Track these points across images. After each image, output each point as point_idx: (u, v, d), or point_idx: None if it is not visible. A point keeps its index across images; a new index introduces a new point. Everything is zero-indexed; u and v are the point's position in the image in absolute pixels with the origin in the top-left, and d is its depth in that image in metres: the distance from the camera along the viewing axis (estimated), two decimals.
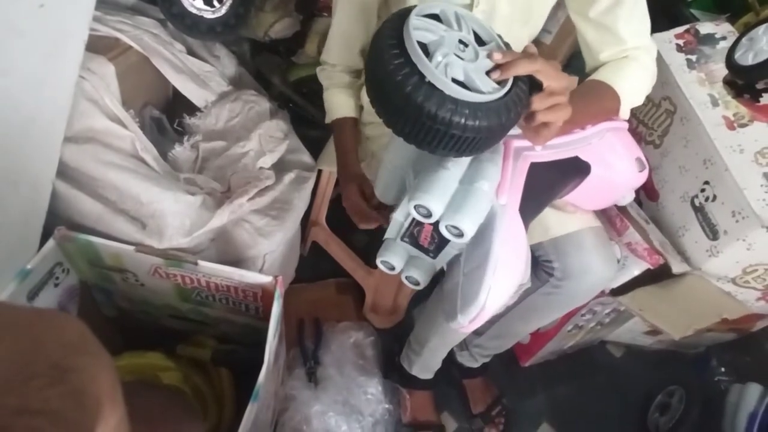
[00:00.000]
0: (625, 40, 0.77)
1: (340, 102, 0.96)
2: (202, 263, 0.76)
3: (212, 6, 1.02)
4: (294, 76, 1.30)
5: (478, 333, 1.06)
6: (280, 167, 1.05)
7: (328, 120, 0.98)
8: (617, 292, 1.03)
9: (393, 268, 0.68)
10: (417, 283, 0.67)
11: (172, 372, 0.86)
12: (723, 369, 1.21)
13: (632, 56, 0.78)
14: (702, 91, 1.09)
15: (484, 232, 0.60)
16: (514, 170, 0.64)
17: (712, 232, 1.00)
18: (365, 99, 0.97)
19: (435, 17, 0.56)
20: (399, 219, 0.66)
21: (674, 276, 1.03)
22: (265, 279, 0.77)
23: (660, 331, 1.16)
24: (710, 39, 1.18)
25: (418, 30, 0.52)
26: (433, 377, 1.11)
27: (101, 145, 0.82)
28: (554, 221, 0.84)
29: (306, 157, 1.12)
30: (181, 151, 0.96)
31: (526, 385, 1.25)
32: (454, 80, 0.51)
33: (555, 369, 1.28)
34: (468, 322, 0.60)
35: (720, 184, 0.98)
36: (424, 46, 0.52)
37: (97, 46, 0.88)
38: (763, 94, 1.06)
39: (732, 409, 1.05)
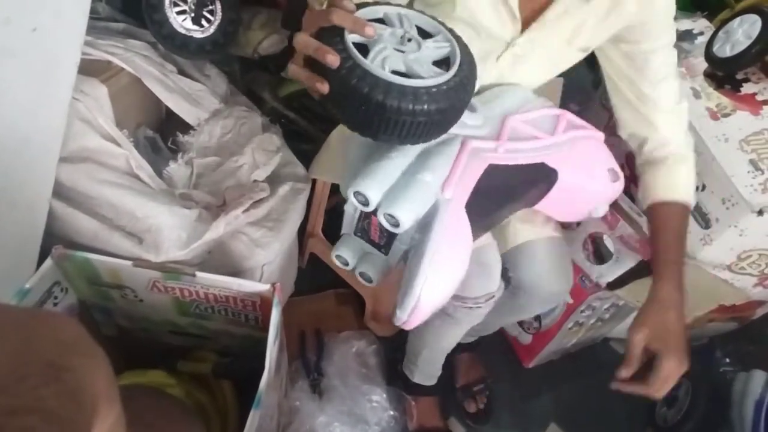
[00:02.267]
0: (668, 140, 0.79)
1: None
2: (200, 274, 0.77)
3: (201, 26, 1.05)
4: (284, 91, 1.32)
5: None
6: (274, 180, 1.06)
7: None
8: (613, 285, 1.03)
9: (347, 264, 0.67)
10: (370, 280, 0.66)
11: (173, 389, 0.85)
12: (727, 359, 1.20)
13: (677, 158, 0.80)
14: (684, 84, 1.12)
15: (427, 224, 0.60)
16: (466, 168, 0.63)
17: (704, 220, 1.01)
18: None
19: (381, 20, 0.57)
20: (349, 210, 0.66)
21: None
22: (263, 287, 0.77)
23: None
24: (689, 35, 1.22)
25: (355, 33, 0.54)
26: (438, 382, 1.11)
27: (96, 163, 0.83)
28: (512, 231, 0.84)
29: (300, 170, 1.13)
30: (175, 168, 0.97)
31: (531, 386, 1.24)
32: (396, 72, 0.53)
33: (559, 369, 1.28)
34: (406, 316, 0.59)
35: (708, 174, 1.00)
36: (364, 46, 0.54)
37: (89, 69, 0.90)
38: (743, 84, 1.09)
39: (738, 398, 1.04)
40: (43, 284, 0.75)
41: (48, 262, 0.75)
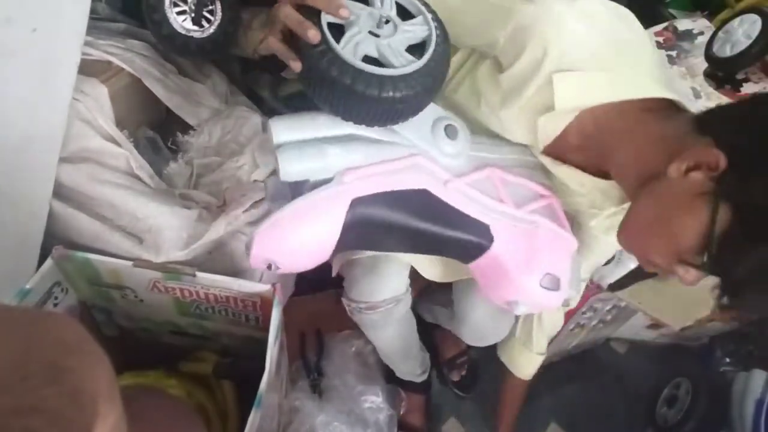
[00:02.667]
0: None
1: None
2: (200, 275, 0.77)
3: (201, 26, 1.04)
4: (284, 91, 1.32)
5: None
6: None
7: None
8: (615, 287, 1.03)
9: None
10: None
11: (174, 389, 0.85)
12: (727, 359, 1.20)
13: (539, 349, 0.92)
14: (684, 84, 1.12)
15: (300, 191, 0.61)
16: (393, 174, 0.61)
17: None
18: None
19: None
20: None
21: None
22: (263, 287, 0.77)
23: (661, 323, 1.16)
24: (688, 35, 1.22)
25: (330, 16, 0.55)
26: (427, 382, 1.13)
27: (96, 164, 0.83)
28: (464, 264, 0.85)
29: None
30: (175, 168, 0.97)
31: (532, 387, 1.24)
32: (368, 57, 0.55)
33: (560, 370, 1.28)
34: (247, 250, 0.62)
35: None
36: (341, 27, 0.55)
37: (89, 69, 0.89)
38: (743, 84, 1.09)
39: (739, 397, 1.05)
40: (44, 284, 0.75)
41: (48, 263, 0.75)
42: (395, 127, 0.63)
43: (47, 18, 0.69)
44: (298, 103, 1.37)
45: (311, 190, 0.60)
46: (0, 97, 0.68)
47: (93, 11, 0.97)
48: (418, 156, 0.63)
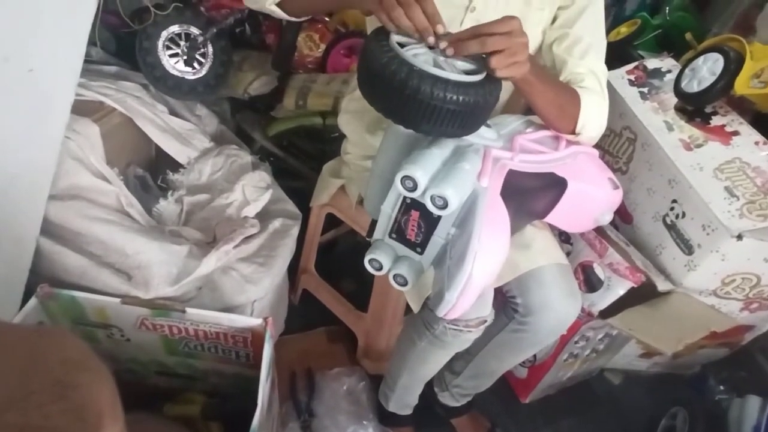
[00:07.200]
0: (577, 65, 0.84)
1: None
2: (190, 311, 0.75)
3: (193, 68, 1.08)
4: (273, 130, 1.34)
5: (455, 373, 1.06)
6: (264, 217, 1.07)
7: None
8: (606, 314, 1.04)
9: (380, 268, 0.67)
10: (405, 283, 0.67)
11: None
12: (721, 386, 1.20)
13: (582, 84, 0.83)
14: (657, 118, 1.17)
15: (468, 214, 0.62)
16: (493, 168, 0.67)
17: (687, 247, 1.04)
18: (345, 126, 1.01)
19: None
20: (386, 210, 0.67)
21: (660, 295, 1.05)
22: (255, 321, 0.76)
23: (652, 349, 1.16)
24: (657, 73, 1.29)
25: (398, 35, 0.62)
26: (413, 412, 1.08)
27: (86, 201, 0.83)
28: (522, 258, 0.86)
29: (290, 206, 1.14)
30: (165, 206, 0.98)
31: (528, 421, 1.22)
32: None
33: (556, 403, 1.26)
34: (455, 297, 0.60)
35: (687, 201, 1.03)
36: (403, 46, 0.62)
37: (82, 109, 0.91)
38: (712, 117, 1.15)
39: (735, 424, 1.04)
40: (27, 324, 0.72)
41: (32, 302, 0.73)
42: None
43: (44, 59, 0.70)
44: (287, 142, 1.40)
45: (459, 218, 0.64)
46: None
47: (87, 55, 1.00)
48: (490, 150, 0.70)
